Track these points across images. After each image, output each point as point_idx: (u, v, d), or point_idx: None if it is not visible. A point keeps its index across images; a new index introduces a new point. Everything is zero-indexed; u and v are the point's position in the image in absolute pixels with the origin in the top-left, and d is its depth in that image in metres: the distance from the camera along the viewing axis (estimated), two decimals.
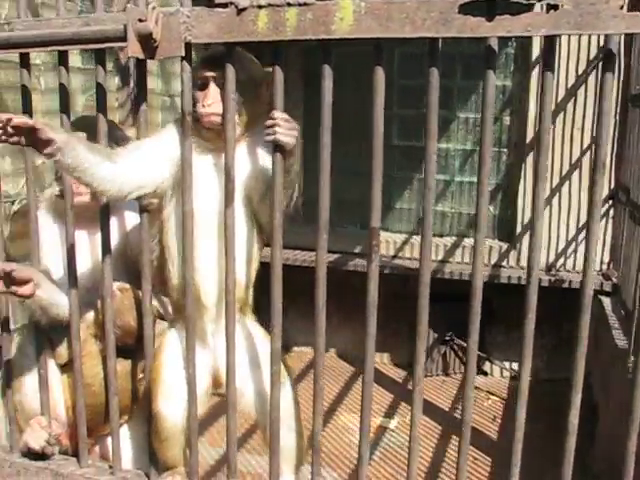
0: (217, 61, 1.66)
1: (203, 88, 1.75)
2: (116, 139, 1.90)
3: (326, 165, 1.53)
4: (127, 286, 1.96)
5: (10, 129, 1.54)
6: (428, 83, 1.47)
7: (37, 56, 3.48)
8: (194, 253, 1.74)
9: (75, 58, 3.81)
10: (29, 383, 1.95)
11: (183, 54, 1.54)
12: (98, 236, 1.83)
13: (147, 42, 1.50)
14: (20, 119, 1.54)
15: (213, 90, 1.75)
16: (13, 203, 3.08)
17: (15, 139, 1.57)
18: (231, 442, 1.70)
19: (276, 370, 1.62)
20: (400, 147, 5.02)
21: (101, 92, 1.66)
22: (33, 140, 1.58)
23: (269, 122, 1.61)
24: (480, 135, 1.47)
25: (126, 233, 2.02)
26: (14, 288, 1.79)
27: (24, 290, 1.80)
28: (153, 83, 4.46)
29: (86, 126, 1.92)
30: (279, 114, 1.61)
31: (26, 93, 1.73)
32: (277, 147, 1.60)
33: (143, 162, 1.77)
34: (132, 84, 4.34)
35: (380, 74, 1.47)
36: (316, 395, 1.62)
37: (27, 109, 1.73)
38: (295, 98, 5.20)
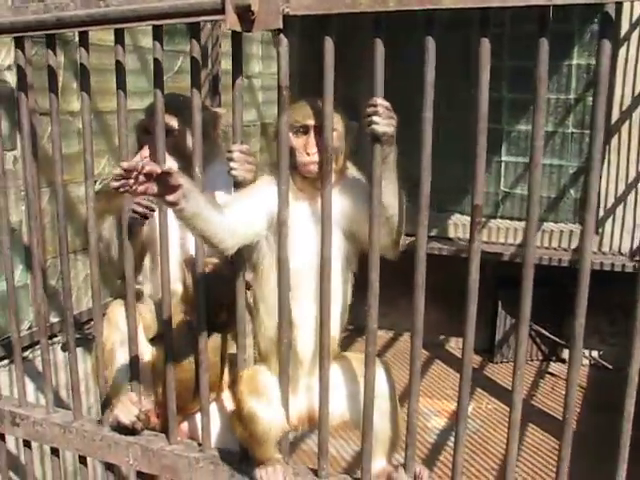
0: (319, 111, 1.61)
1: (301, 135, 1.70)
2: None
3: (428, 143, 1.47)
4: (215, 260, 1.95)
5: (142, 177, 1.45)
6: (537, 57, 1.40)
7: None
8: (291, 306, 1.69)
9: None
10: (120, 358, 1.96)
11: (281, 26, 1.49)
12: None
13: (245, 14, 1.46)
14: (152, 166, 1.46)
15: (315, 139, 1.69)
16: (95, 183, 3.12)
17: (143, 188, 1.47)
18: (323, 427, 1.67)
19: (371, 351, 1.58)
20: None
21: (195, 67, 1.63)
22: (162, 186, 1.50)
23: (369, 110, 1.52)
24: (592, 114, 1.39)
25: None
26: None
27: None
28: (229, 63, 4.44)
29: (174, 104, 1.92)
30: (380, 100, 1.51)
31: (121, 70, 1.72)
32: (376, 138, 1.53)
33: (245, 215, 1.71)
34: (210, 65, 4.36)
35: (486, 47, 1.40)
36: (413, 377, 1.57)
37: (122, 86, 1.72)
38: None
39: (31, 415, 2.02)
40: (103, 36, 2.88)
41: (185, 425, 2.09)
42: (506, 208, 5.29)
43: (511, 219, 5.21)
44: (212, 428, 1.88)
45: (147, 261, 2.04)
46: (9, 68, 2.67)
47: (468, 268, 1.52)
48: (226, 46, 4.40)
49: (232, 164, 1.64)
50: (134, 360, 1.86)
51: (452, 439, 3.78)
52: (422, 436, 3.81)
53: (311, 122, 1.69)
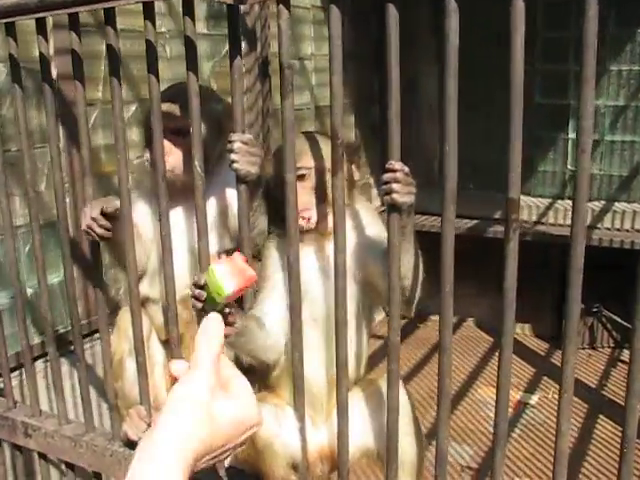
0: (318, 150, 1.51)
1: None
2: (211, 112, 1.75)
3: (453, 120, 1.25)
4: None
5: None
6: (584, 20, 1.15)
7: (162, 24, 3.41)
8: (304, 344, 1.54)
9: (200, 24, 3.74)
10: (130, 368, 1.83)
11: None
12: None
13: None
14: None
15: (311, 186, 1.63)
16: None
17: None
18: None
19: (393, 368, 1.38)
20: (544, 105, 4.62)
21: (191, 49, 1.45)
22: None
23: (386, 176, 1.33)
24: None
25: (225, 207, 1.84)
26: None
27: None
28: (283, 37, 4.30)
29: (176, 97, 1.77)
30: (399, 165, 1.33)
31: (114, 55, 1.55)
32: (394, 207, 1.34)
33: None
34: (259, 49, 4.22)
35: (520, 7, 1.16)
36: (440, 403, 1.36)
37: (115, 74, 1.56)
38: (426, 57, 4.91)
39: (43, 426, 1.91)
40: (138, 21, 2.84)
41: None
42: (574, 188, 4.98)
43: None
44: None
45: (152, 264, 1.89)
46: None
47: (504, 269, 1.29)
48: (275, 27, 4.27)
49: (233, 156, 1.46)
50: (142, 372, 1.72)
51: (516, 430, 3.63)
52: (484, 426, 3.61)
53: (309, 164, 1.59)
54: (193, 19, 1.43)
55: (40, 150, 2.79)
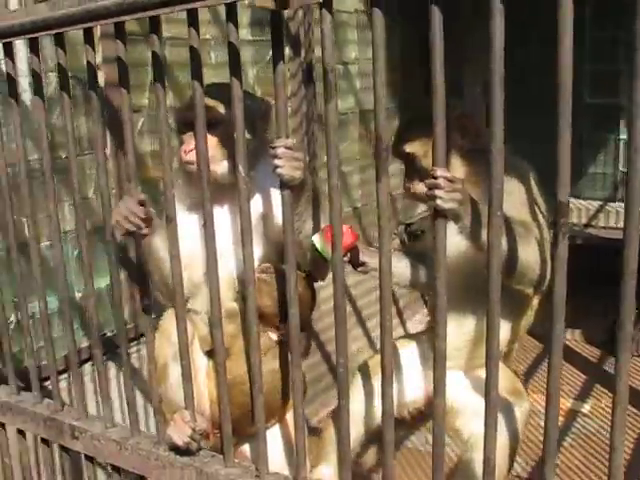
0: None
1: None
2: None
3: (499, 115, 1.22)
4: (267, 265, 1.80)
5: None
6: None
7: (207, 31, 3.44)
8: None
9: (244, 31, 3.76)
10: (173, 373, 1.84)
11: (321, 0, 1.29)
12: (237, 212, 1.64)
13: None
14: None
15: None
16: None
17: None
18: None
19: (439, 375, 1.35)
20: (594, 105, 4.51)
21: (234, 55, 1.45)
22: None
23: (429, 182, 1.35)
24: None
25: (265, 210, 1.83)
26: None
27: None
28: (326, 41, 4.29)
29: (218, 93, 1.79)
30: (441, 172, 1.33)
31: (158, 63, 1.56)
32: (440, 213, 1.33)
33: None
34: (303, 54, 4.22)
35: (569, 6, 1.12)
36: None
37: (160, 80, 1.57)
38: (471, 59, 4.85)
39: (89, 429, 1.93)
40: (183, 29, 2.88)
41: (246, 447, 1.95)
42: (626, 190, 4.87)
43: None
44: (273, 452, 1.72)
45: (194, 274, 1.87)
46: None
47: (555, 275, 1.25)
48: (318, 33, 4.26)
49: (276, 161, 1.46)
50: (187, 376, 1.72)
51: (567, 439, 3.54)
52: (535, 435, 3.50)
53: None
54: (236, 26, 1.43)
55: (89, 156, 2.84)
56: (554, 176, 1.21)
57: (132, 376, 1.88)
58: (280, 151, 1.46)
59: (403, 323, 5.05)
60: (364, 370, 2.14)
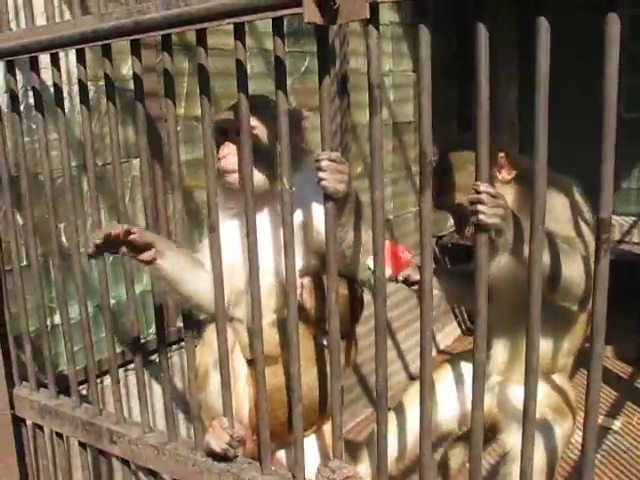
0: None
1: None
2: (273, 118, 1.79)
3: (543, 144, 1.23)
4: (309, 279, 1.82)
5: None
6: None
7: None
8: None
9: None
10: (214, 380, 1.85)
11: (368, 16, 1.31)
12: (278, 222, 1.67)
13: (325, 5, 1.29)
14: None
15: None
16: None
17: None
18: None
19: (477, 387, 1.36)
20: (629, 120, 4.49)
21: (280, 67, 1.48)
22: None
23: (471, 197, 1.36)
24: None
25: (308, 219, 1.84)
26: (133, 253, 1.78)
27: (143, 256, 1.78)
28: (358, 62, 4.33)
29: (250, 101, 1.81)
30: (484, 187, 1.34)
31: (204, 73, 1.59)
32: (482, 228, 1.34)
33: None
34: (338, 65, 4.25)
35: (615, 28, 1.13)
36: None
37: (205, 92, 1.61)
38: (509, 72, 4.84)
39: (127, 434, 1.97)
40: (225, 40, 2.92)
41: (282, 454, 1.96)
42: None
43: None
44: (310, 460, 1.73)
45: (235, 283, 1.90)
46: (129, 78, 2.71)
47: (595, 292, 1.26)
48: (354, 44, 4.30)
49: (321, 174, 1.47)
50: (226, 384, 1.74)
51: (598, 456, 3.50)
52: (565, 452, 3.50)
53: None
54: (283, 39, 1.46)
55: (124, 165, 2.88)
56: (596, 192, 1.22)
57: (170, 382, 1.91)
58: (324, 164, 1.47)
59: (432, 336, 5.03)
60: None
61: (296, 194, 1.57)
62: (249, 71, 3.52)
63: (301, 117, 1.89)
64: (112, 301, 2.85)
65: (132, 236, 1.74)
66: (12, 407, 2.33)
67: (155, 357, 2.82)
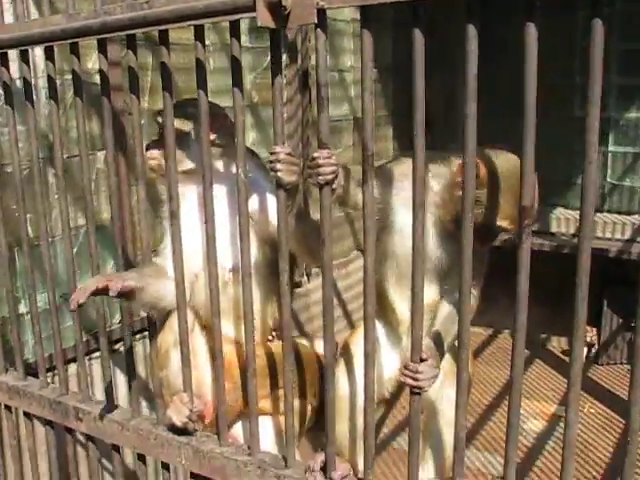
0: None
1: None
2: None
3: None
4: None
5: None
6: None
7: (207, 36, 3.57)
8: None
9: (242, 38, 3.87)
10: (174, 359, 1.96)
11: (316, 21, 1.44)
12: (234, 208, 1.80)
13: (277, 10, 1.42)
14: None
15: None
16: None
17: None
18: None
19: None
20: (583, 118, 4.67)
21: (236, 66, 1.61)
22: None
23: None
24: None
25: (264, 208, 1.98)
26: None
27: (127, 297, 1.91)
28: (320, 58, 4.42)
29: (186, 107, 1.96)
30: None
31: (166, 71, 1.71)
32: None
33: None
34: (300, 61, 4.34)
35: (599, 30, 1.23)
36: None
37: (168, 88, 1.72)
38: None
39: (92, 411, 2.08)
40: (183, 34, 2.99)
41: (239, 427, 2.08)
42: (613, 201, 5.03)
43: (619, 213, 4.95)
44: (264, 430, 1.87)
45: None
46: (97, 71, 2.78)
47: (517, 278, 1.40)
48: (314, 41, 4.37)
49: (278, 165, 1.61)
50: (186, 362, 1.86)
51: (550, 443, 3.66)
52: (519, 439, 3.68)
53: None
54: (239, 40, 1.58)
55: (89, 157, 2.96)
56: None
57: (133, 363, 2.02)
58: (281, 157, 1.60)
59: None
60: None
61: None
62: (211, 66, 3.65)
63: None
64: None
65: (110, 292, 1.84)
66: None
67: (119, 346, 2.93)
